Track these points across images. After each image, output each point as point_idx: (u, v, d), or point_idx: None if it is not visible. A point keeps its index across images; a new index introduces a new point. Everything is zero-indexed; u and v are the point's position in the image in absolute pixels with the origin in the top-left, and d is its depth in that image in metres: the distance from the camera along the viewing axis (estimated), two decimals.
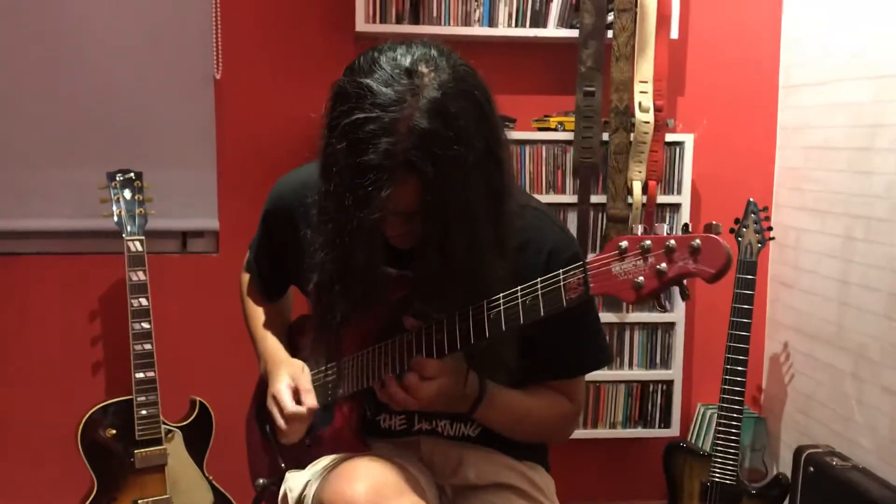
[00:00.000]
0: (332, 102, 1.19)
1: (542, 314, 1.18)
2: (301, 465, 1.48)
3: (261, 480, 1.60)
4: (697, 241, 1.04)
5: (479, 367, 1.33)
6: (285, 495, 1.43)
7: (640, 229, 1.12)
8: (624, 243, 1.10)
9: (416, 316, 1.39)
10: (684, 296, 1.11)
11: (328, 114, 1.19)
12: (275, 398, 1.44)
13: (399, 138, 1.12)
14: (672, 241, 1.06)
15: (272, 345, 1.60)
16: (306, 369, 1.49)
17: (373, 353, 1.38)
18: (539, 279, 1.18)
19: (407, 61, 1.16)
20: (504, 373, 1.36)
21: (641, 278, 1.08)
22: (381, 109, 1.12)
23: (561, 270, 1.16)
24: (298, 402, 1.42)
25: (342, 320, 1.29)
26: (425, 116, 1.12)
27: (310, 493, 1.33)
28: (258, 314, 1.67)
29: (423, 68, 1.15)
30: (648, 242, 1.08)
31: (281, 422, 1.42)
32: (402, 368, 1.32)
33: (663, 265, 1.06)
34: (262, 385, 1.64)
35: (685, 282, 1.09)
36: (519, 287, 1.20)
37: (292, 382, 1.45)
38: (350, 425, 1.46)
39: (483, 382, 1.35)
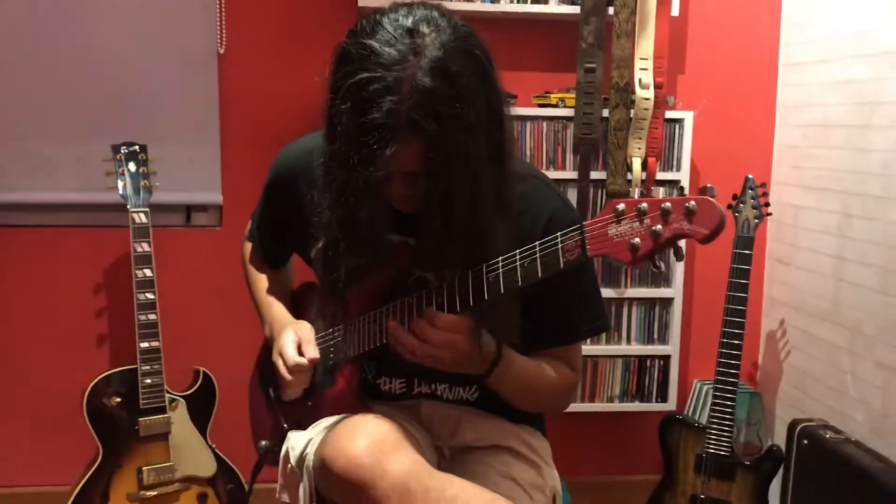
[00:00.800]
0: (336, 65, 1.21)
1: (539, 276, 1.21)
2: (303, 427, 1.52)
3: (263, 442, 1.64)
4: (692, 202, 1.07)
5: (489, 330, 1.35)
6: (287, 454, 1.46)
7: (636, 193, 1.15)
8: (621, 206, 1.13)
9: (417, 281, 1.43)
10: (679, 256, 1.14)
11: (332, 76, 1.21)
12: (279, 352, 1.48)
13: (402, 97, 1.14)
14: (667, 204, 1.09)
15: (278, 309, 1.63)
16: (309, 325, 1.53)
17: (375, 316, 1.41)
18: (538, 242, 1.21)
19: (409, 22, 1.18)
20: (512, 338, 1.38)
21: (637, 239, 1.11)
22: (384, 69, 1.15)
23: (559, 233, 1.19)
24: (301, 354, 1.46)
25: (348, 280, 1.32)
26: (427, 75, 1.15)
27: (311, 451, 1.36)
28: (262, 280, 1.71)
29: (424, 28, 1.18)
30: (644, 205, 1.11)
31: (285, 373, 1.46)
32: (409, 330, 1.34)
33: (659, 226, 1.09)
34: (266, 350, 1.68)
35: (681, 243, 1.12)
36: (517, 250, 1.23)
37: (296, 337, 1.49)
38: (351, 387, 1.49)
39: (500, 345, 1.37)
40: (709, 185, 1.12)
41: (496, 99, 1.23)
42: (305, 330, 1.51)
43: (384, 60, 1.15)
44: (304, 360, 1.45)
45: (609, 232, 1.14)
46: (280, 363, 1.48)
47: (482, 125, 1.20)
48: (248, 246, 1.76)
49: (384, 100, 1.14)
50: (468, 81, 1.18)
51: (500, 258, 1.25)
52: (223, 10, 2.61)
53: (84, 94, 2.60)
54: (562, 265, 1.19)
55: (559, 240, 1.19)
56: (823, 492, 2.31)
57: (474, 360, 1.34)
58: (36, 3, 2.55)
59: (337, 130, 1.19)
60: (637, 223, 1.11)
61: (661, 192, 2.63)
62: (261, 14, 2.64)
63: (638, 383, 2.75)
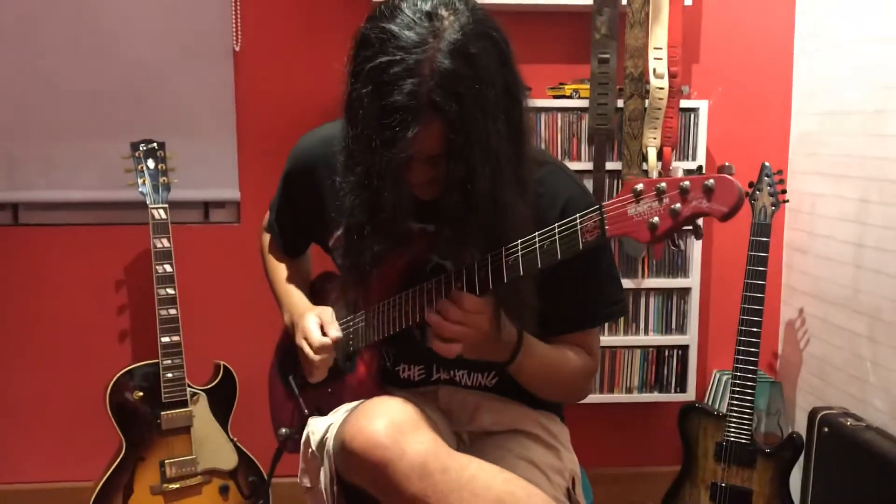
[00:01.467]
0: (356, 49, 1.23)
1: (559, 257, 1.22)
2: (322, 413, 1.53)
3: (283, 430, 1.66)
4: (711, 181, 1.08)
5: (509, 316, 1.35)
6: (308, 438, 1.48)
7: (655, 174, 1.15)
8: (640, 186, 1.13)
9: (435, 269, 1.44)
10: (698, 234, 1.14)
11: (352, 61, 1.23)
12: (303, 335, 1.50)
13: (423, 79, 1.15)
14: (686, 182, 1.09)
15: (297, 296, 1.65)
16: (330, 309, 1.54)
17: (394, 302, 1.42)
18: (556, 224, 1.22)
19: (428, 5, 1.20)
20: (532, 323, 1.39)
21: (656, 218, 1.11)
22: (405, 52, 1.16)
23: (578, 214, 1.20)
24: (324, 334, 1.48)
25: (370, 264, 1.33)
26: (447, 57, 1.16)
27: (331, 434, 1.37)
28: (281, 269, 1.72)
29: (443, 12, 1.19)
30: (663, 184, 1.11)
31: (311, 354, 1.48)
32: (423, 317, 1.36)
33: (678, 205, 1.10)
34: (285, 338, 1.69)
35: (699, 221, 1.13)
36: (536, 233, 1.24)
37: (318, 319, 1.51)
38: (370, 374, 1.51)
39: (521, 331, 1.38)
40: (727, 163, 1.12)
41: (513, 80, 1.24)
42: (326, 313, 1.54)
43: (404, 43, 1.17)
44: (328, 340, 1.48)
45: (628, 212, 1.14)
46: (305, 345, 1.50)
47: (500, 106, 1.21)
48: (267, 237, 1.78)
49: (405, 82, 1.15)
50: (487, 63, 1.19)
51: (519, 241, 1.25)
52: (238, 7, 2.63)
53: (102, 92, 2.63)
54: (581, 246, 1.19)
55: (578, 221, 1.19)
56: (844, 479, 2.30)
57: (496, 344, 1.35)
58: (55, 4, 2.59)
59: (358, 114, 1.20)
60: (656, 202, 1.12)
61: (679, 172, 2.62)
62: (275, 11, 2.67)
63: (657, 374, 2.75)
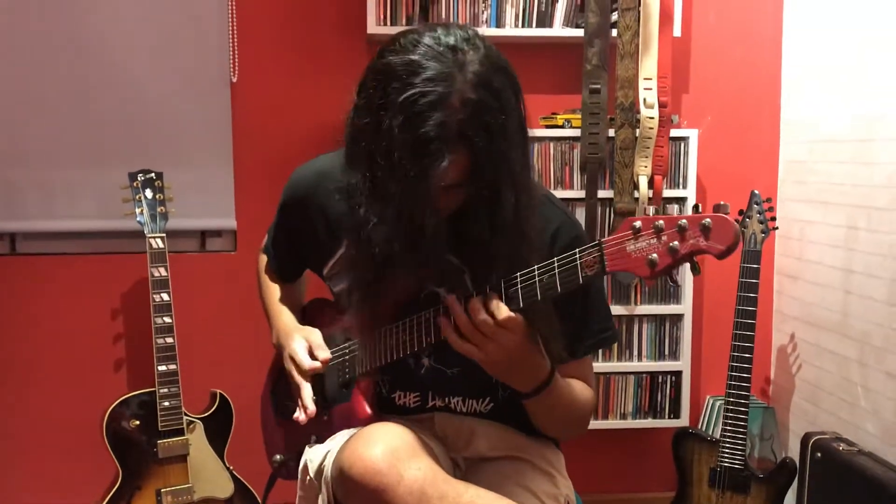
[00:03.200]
0: (378, 80, 1.24)
1: (558, 291, 1.25)
2: (319, 440, 1.54)
3: (277, 456, 1.67)
4: (708, 219, 1.12)
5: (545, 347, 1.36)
6: (305, 466, 1.49)
7: (650, 211, 1.19)
8: (638, 223, 1.17)
9: (429, 297, 1.46)
10: (695, 270, 1.18)
11: (373, 91, 1.24)
12: (291, 358, 1.52)
13: (453, 111, 1.19)
14: (684, 221, 1.13)
15: (286, 317, 1.67)
16: (318, 331, 1.56)
17: (392, 330, 1.44)
18: (556, 258, 1.25)
19: (451, 39, 1.24)
20: (560, 356, 1.41)
21: (655, 255, 1.15)
22: (433, 84, 1.20)
23: (577, 249, 1.23)
24: (313, 358, 1.50)
25: (381, 293, 1.34)
26: (473, 90, 1.20)
27: (329, 461, 1.39)
28: (273, 291, 1.75)
29: (464, 46, 1.24)
30: (661, 222, 1.15)
31: (299, 379, 1.49)
32: (425, 344, 1.38)
33: (676, 243, 1.13)
34: (277, 362, 1.71)
35: (696, 258, 1.16)
36: (535, 266, 1.27)
37: (305, 342, 1.52)
38: (367, 401, 1.52)
39: (553, 367, 1.37)
40: (722, 202, 1.16)
41: (524, 113, 1.30)
42: (314, 335, 1.55)
43: (431, 75, 1.20)
44: (317, 364, 1.49)
45: (627, 248, 1.18)
46: (293, 369, 1.51)
47: (518, 136, 1.26)
48: (264, 258, 1.81)
49: (435, 113, 1.19)
50: (507, 94, 1.24)
51: (518, 273, 1.28)
52: (235, 39, 2.68)
53: (101, 122, 2.67)
54: (581, 280, 1.22)
55: (578, 255, 1.22)
56: (838, 503, 2.32)
57: (524, 370, 1.34)
58: (54, 33, 2.63)
59: (385, 145, 1.21)
60: (654, 240, 1.15)
61: (675, 210, 2.67)
62: (272, 43, 2.71)
63: (650, 399, 2.77)
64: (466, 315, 1.28)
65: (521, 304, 1.27)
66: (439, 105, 1.19)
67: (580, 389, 1.48)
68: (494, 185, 1.24)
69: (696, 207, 1.16)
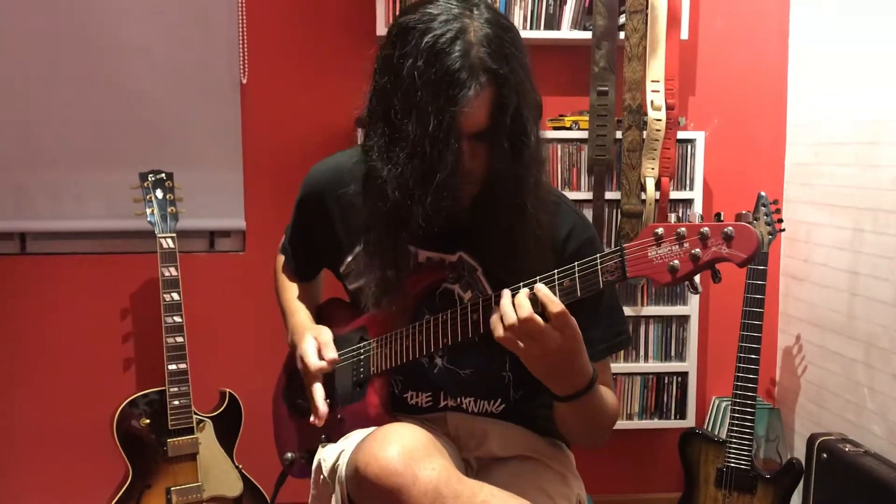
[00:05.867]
0: (397, 36, 1.31)
1: (578, 295, 1.26)
2: (331, 439, 1.56)
3: (289, 454, 1.68)
4: (730, 228, 1.14)
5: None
6: (319, 466, 1.50)
7: (673, 218, 1.21)
8: (660, 230, 1.18)
9: (444, 294, 1.48)
10: (716, 278, 1.19)
11: (395, 46, 1.31)
12: (301, 358, 1.54)
13: (472, 45, 1.26)
14: (706, 228, 1.15)
15: (301, 316, 1.68)
16: (328, 329, 1.58)
17: (407, 332, 1.46)
18: (576, 263, 1.26)
19: None
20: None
21: (677, 262, 1.17)
22: (450, 24, 1.27)
23: (598, 255, 1.25)
24: (321, 357, 1.52)
25: (421, 229, 1.32)
26: (487, 26, 1.28)
27: (343, 461, 1.40)
28: (289, 289, 1.76)
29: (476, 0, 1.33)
30: (683, 229, 1.17)
31: (309, 380, 1.52)
32: (442, 345, 1.39)
33: (697, 250, 1.15)
34: (290, 361, 1.72)
35: (717, 265, 1.18)
36: (555, 270, 1.28)
37: (315, 341, 1.54)
38: (381, 401, 1.53)
39: (595, 372, 1.36)
40: (744, 211, 1.18)
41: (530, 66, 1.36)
42: (324, 334, 1.56)
43: (446, 17, 1.28)
44: (324, 364, 1.51)
45: (649, 254, 1.19)
46: (303, 369, 1.53)
47: (531, 83, 1.33)
48: (281, 258, 1.82)
49: (456, 47, 1.25)
50: (516, 38, 1.32)
51: (538, 277, 1.29)
52: (245, 41, 2.69)
53: (112, 123, 2.69)
54: (601, 285, 1.24)
55: (598, 260, 1.24)
56: None
57: (568, 373, 1.30)
58: (65, 35, 2.64)
59: (409, 90, 1.27)
60: (676, 246, 1.17)
61: (681, 211, 2.68)
62: (282, 45, 2.73)
63: (656, 400, 2.78)
64: (514, 311, 1.24)
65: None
66: (459, 40, 1.26)
67: (610, 398, 1.47)
68: (517, 125, 1.29)
69: (717, 216, 1.18)
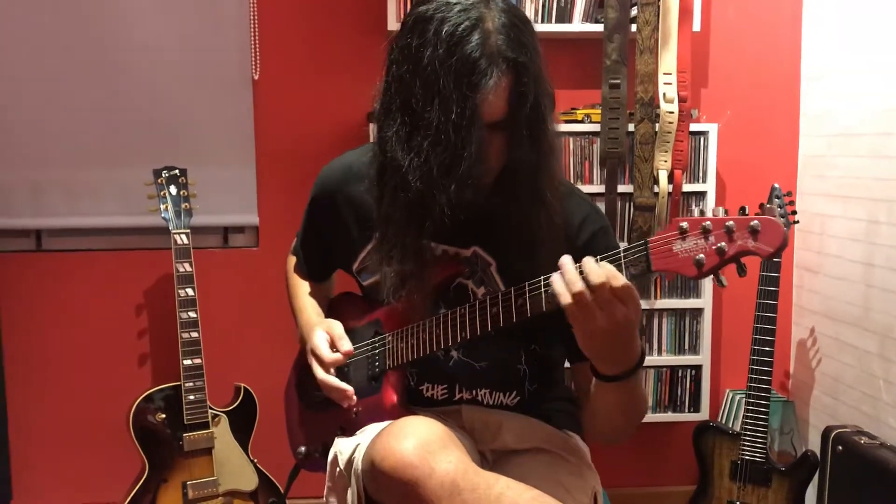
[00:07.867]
0: (414, 28, 1.32)
1: None
2: (346, 432, 1.56)
3: (302, 448, 1.69)
4: (756, 221, 1.13)
5: None
6: (335, 458, 1.51)
7: (697, 212, 1.20)
8: (685, 224, 1.18)
9: (458, 289, 1.48)
10: (741, 271, 1.19)
11: (413, 36, 1.32)
12: (313, 351, 1.54)
13: (489, 34, 1.28)
14: (731, 222, 1.15)
15: (309, 312, 1.69)
16: (338, 322, 1.59)
17: (423, 326, 1.46)
18: (598, 256, 1.24)
19: None
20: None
21: (702, 255, 1.16)
22: (467, 13, 1.29)
23: (622, 248, 1.24)
24: (335, 351, 1.53)
25: (447, 213, 1.31)
26: (503, 15, 1.30)
27: (359, 454, 1.40)
28: (300, 288, 1.77)
29: None
30: (709, 223, 1.16)
31: (320, 373, 1.52)
32: (460, 339, 1.40)
33: (723, 244, 1.15)
34: (302, 357, 1.73)
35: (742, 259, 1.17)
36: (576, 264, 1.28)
37: (326, 335, 1.55)
38: (398, 394, 1.54)
39: (644, 347, 1.36)
40: (767, 204, 1.17)
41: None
42: (336, 327, 1.57)
43: (462, 7, 1.30)
44: (339, 356, 1.52)
45: (674, 248, 1.19)
46: (315, 364, 1.54)
47: (546, 74, 1.35)
48: (292, 259, 1.83)
49: (475, 36, 1.27)
50: (532, 29, 1.35)
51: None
52: (257, 37, 2.70)
53: (125, 121, 2.70)
54: (627, 279, 1.23)
55: (622, 254, 1.24)
56: (860, 497, 2.32)
57: (624, 348, 1.27)
58: (78, 35, 2.66)
59: (429, 79, 1.28)
60: (702, 240, 1.17)
61: (694, 204, 2.67)
62: (294, 40, 2.73)
63: (670, 394, 2.77)
64: (582, 279, 1.21)
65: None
66: (478, 29, 1.27)
67: (643, 387, 1.48)
68: (533, 122, 1.31)
69: (742, 209, 1.18)
